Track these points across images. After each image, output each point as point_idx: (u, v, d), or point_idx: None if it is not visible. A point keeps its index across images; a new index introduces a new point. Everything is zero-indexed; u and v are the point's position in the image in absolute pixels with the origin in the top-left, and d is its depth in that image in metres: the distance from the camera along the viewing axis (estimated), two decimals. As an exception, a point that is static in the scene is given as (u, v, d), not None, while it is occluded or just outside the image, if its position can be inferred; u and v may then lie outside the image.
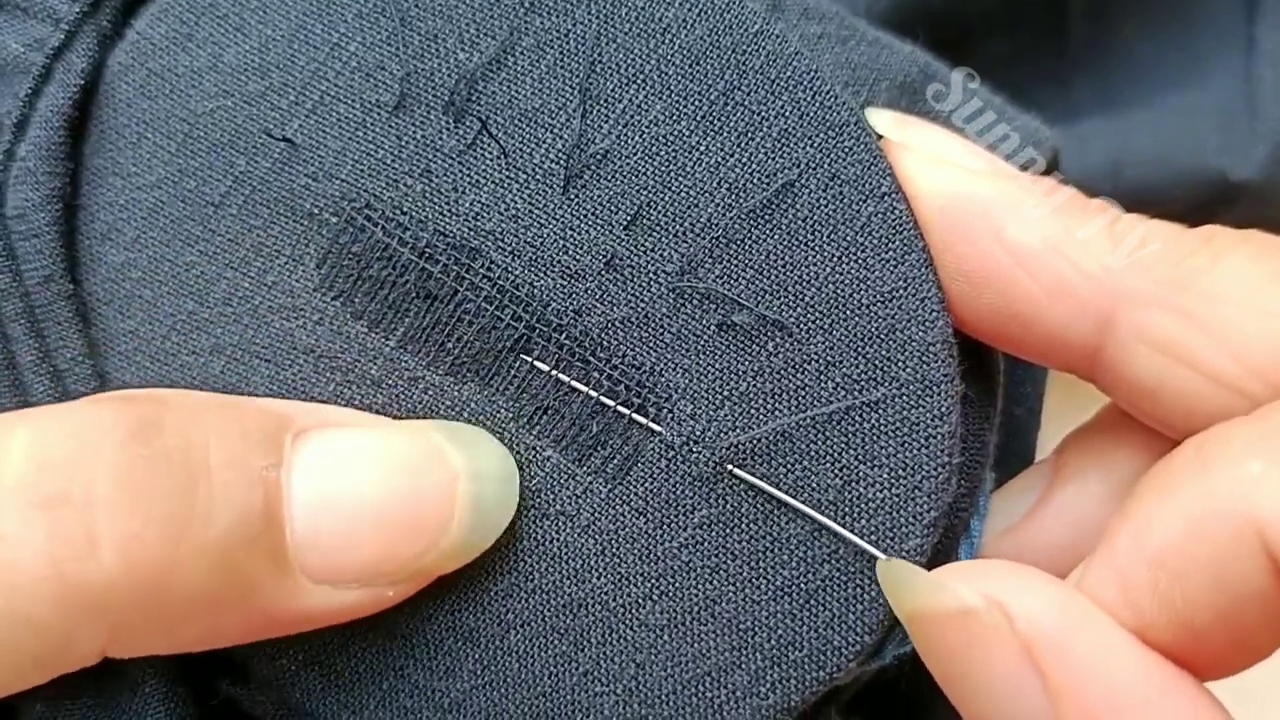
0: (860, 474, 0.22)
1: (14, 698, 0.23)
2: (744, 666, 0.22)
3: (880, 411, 0.22)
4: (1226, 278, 0.21)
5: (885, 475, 0.22)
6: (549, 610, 0.23)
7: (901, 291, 0.22)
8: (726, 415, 0.22)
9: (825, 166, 0.22)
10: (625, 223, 0.23)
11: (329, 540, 0.20)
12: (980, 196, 0.22)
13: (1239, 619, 0.19)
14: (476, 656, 0.23)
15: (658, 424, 0.23)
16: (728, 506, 0.22)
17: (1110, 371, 0.22)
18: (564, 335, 0.23)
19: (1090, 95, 0.37)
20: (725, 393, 0.22)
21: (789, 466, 0.22)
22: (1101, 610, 0.19)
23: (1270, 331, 0.20)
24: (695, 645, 0.22)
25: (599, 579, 0.23)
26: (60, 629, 0.19)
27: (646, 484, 0.23)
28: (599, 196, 0.23)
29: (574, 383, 0.23)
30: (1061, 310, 0.21)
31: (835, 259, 0.22)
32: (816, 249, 0.22)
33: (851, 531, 0.22)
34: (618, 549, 0.23)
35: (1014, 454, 0.28)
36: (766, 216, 0.22)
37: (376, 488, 0.21)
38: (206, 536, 0.19)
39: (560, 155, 0.23)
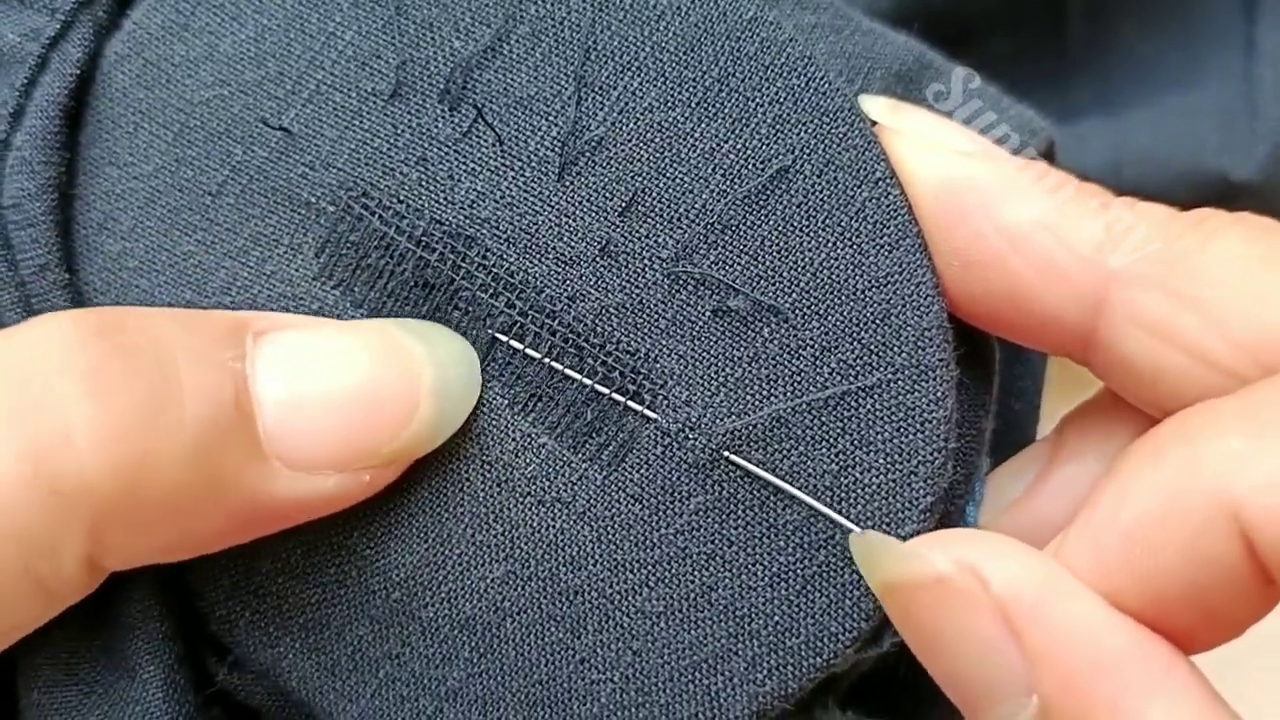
0: (856, 459, 0.22)
1: (15, 686, 0.23)
2: (741, 653, 0.22)
3: (876, 396, 0.22)
4: (1217, 259, 0.21)
5: (882, 460, 0.22)
6: (545, 597, 0.23)
7: (896, 276, 0.22)
8: (722, 401, 0.22)
9: (819, 152, 0.22)
10: (620, 209, 0.23)
11: (300, 428, 0.20)
12: (973, 179, 0.22)
13: (1209, 595, 0.19)
14: (473, 644, 0.23)
15: (653, 410, 0.23)
16: (724, 492, 0.22)
17: (1103, 354, 0.22)
18: (558, 321, 0.23)
19: (1090, 95, 0.37)
20: (721, 378, 0.22)
21: (785, 452, 0.22)
22: (1076, 577, 0.19)
23: (1260, 313, 0.20)
24: (692, 632, 0.22)
25: (595, 566, 0.23)
26: (44, 532, 0.19)
27: (642, 470, 0.23)
28: (594, 183, 0.23)
29: (568, 370, 0.23)
30: (1053, 291, 0.21)
31: (830, 244, 0.22)
32: (811, 234, 0.22)
33: (847, 518, 0.22)
34: (614, 536, 0.23)
35: (1012, 447, 0.28)
36: (761, 202, 0.22)
37: (342, 375, 0.21)
38: (180, 426, 0.19)
39: (555, 142, 0.23)
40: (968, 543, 0.20)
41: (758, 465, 0.22)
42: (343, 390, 0.21)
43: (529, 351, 0.23)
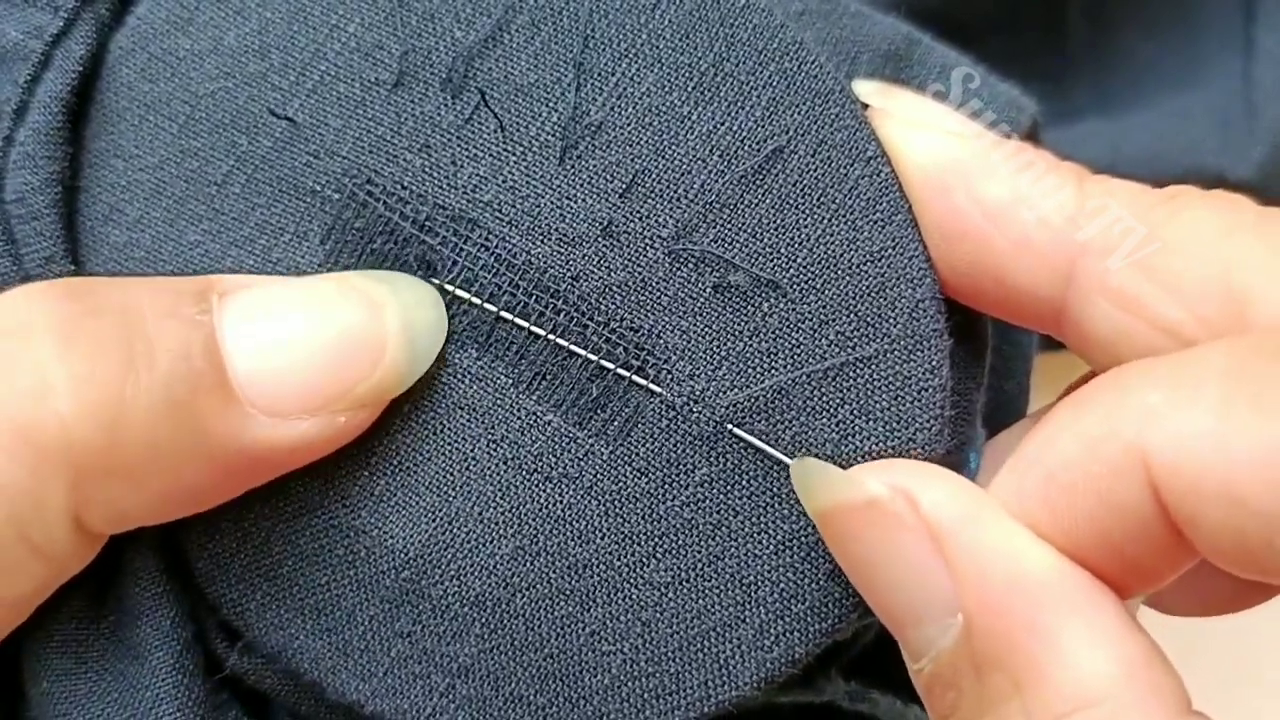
0: (856, 428, 0.23)
1: (20, 677, 0.23)
2: (748, 621, 0.23)
3: (873, 367, 0.23)
4: (1183, 231, 0.21)
5: (880, 428, 0.23)
6: (555, 572, 0.23)
7: (890, 250, 0.23)
8: (724, 374, 0.23)
9: (813, 132, 0.23)
10: (621, 190, 0.23)
11: (270, 374, 0.21)
12: (955, 156, 0.23)
13: (1123, 541, 0.19)
14: (484, 620, 0.23)
15: (657, 385, 0.23)
16: (728, 464, 0.23)
17: (1074, 326, 0.22)
18: (562, 301, 0.23)
19: (1089, 96, 0.38)
20: (722, 352, 0.23)
21: (787, 422, 0.23)
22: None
23: (1220, 285, 0.20)
24: (700, 601, 0.23)
25: (603, 540, 0.23)
26: (26, 484, 0.19)
27: (648, 444, 0.23)
28: (595, 166, 0.23)
29: (572, 346, 0.23)
30: (1026, 263, 0.22)
31: (825, 220, 0.23)
32: (807, 211, 0.23)
33: None
34: (621, 509, 0.23)
35: (1005, 425, 0.29)
36: (758, 181, 0.23)
37: (309, 321, 0.22)
38: (153, 376, 0.20)
39: (556, 127, 0.23)
40: (900, 469, 0.21)
41: (761, 435, 0.23)
42: (310, 335, 0.22)
43: (534, 329, 0.23)
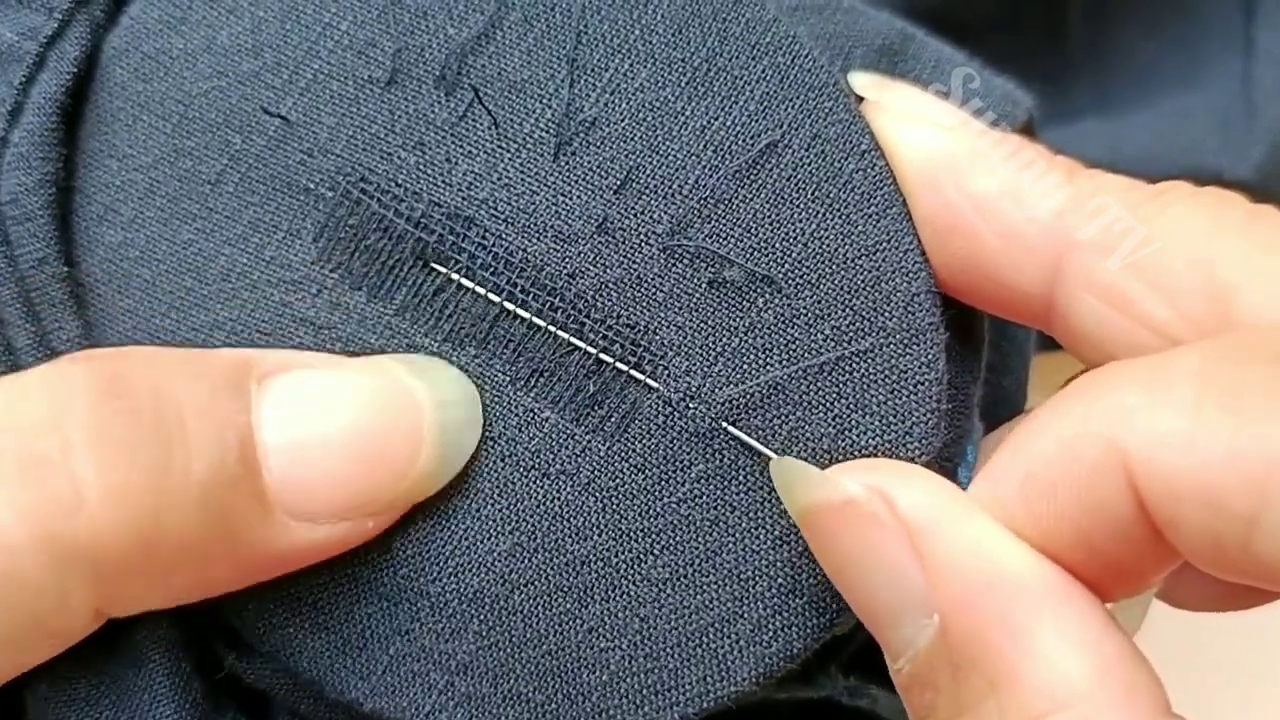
0: (853, 422, 0.23)
1: (20, 679, 0.23)
2: (747, 616, 0.23)
3: (869, 361, 0.23)
4: (1170, 226, 0.21)
5: (877, 423, 0.23)
6: (552, 568, 0.23)
7: (885, 244, 0.23)
8: (721, 370, 0.23)
9: (807, 126, 0.23)
10: (615, 186, 0.23)
11: (305, 478, 0.21)
12: (947, 150, 0.23)
13: (1102, 541, 0.19)
14: (482, 617, 0.23)
15: (654, 380, 0.23)
16: (725, 459, 0.23)
17: (1062, 321, 0.22)
18: (558, 298, 0.23)
19: (1089, 96, 0.38)
20: (719, 348, 0.23)
21: (783, 418, 0.23)
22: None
23: (1205, 281, 0.20)
24: (698, 597, 0.23)
25: (601, 536, 0.23)
26: (55, 587, 0.19)
27: (645, 440, 0.23)
28: (589, 162, 0.23)
29: (572, 338, 0.23)
30: (1014, 257, 0.22)
31: (820, 215, 0.23)
32: (802, 206, 0.23)
33: None
34: (618, 505, 0.23)
35: (1002, 422, 0.29)
36: (752, 176, 0.23)
37: (345, 424, 0.21)
38: (189, 481, 0.20)
39: (550, 124, 0.23)
40: (878, 469, 0.21)
41: (757, 431, 0.23)
42: (346, 438, 0.21)
43: (535, 320, 0.23)
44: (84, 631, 0.21)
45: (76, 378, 0.20)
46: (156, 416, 0.20)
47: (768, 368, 0.23)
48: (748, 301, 0.23)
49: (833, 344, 0.23)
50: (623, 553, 0.23)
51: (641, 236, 0.23)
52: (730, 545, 0.23)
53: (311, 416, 0.21)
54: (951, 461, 0.24)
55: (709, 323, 0.23)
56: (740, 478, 0.23)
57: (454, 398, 0.23)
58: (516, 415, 0.23)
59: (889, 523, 0.20)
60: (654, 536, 0.23)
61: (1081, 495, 0.19)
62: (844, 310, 0.23)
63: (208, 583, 0.21)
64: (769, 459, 0.23)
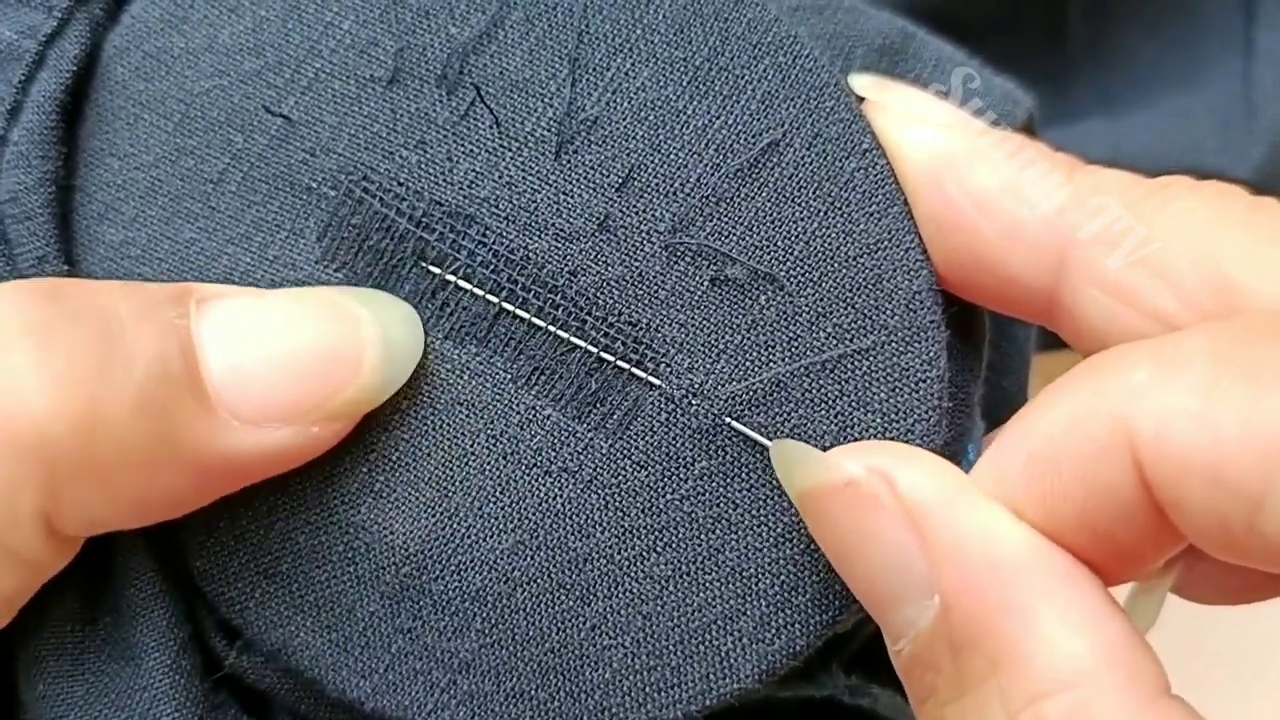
0: (855, 419, 0.23)
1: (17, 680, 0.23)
2: (749, 613, 0.23)
3: (871, 358, 0.23)
4: (1173, 220, 0.21)
5: (879, 420, 0.23)
6: (555, 566, 0.23)
7: (886, 242, 0.23)
8: (723, 367, 0.23)
9: (808, 126, 0.23)
10: (617, 185, 0.23)
11: (245, 382, 0.21)
12: (948, 148, 0.23)
13: (1106, 522, 0.19)
14: (484, 615, 0.23)
15: (656, 378, 0.23)
16: (727, 456, 0.23)
17: (1065, 315, 0.22)
18: (560, 296, 0.23)
19: (1089, 96, 0.38)
20: (721, 345, 0.23)
21: (785, 415, 0.23)
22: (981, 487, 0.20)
23: (1210, 274, 0.20)
24: (701, 594, 0.23)
25: (603, 533, 0.23)
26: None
27: (647, 437, 0.23)
28: (591, 161, 0.23)
29: (572, 338, 0.23)
30: (1016, 253, 0.22)
31: (821, 213, 0.23)
32: (803, 204, 0.23)
33: None
34: (621, 503, 0.23)
35: (1002, 422, 0.29)
36: (754, 175, 0.23)
37: (284, 335, 0.22)
38: (128, 377, 0.20)
39: (552, 123, 0.23)
40: (879, 451, 0.21)
41: (759, 428, 0.23)
42: (286, 346, 0.22)
43: (535, 320, 0.23)
44: (44, 554, 0.21)
45: (16, 287, 0.21)
46: (98, 318, 0.20)
47: (769, 365, 0.23)
48: (749, 299, 0.23)
49: (834, 341, 0.23)
50: (625, 550, 0.23)
51: (643, 234, 0.23)
52: (733, 542, 0.23)
53: (251, 328, 0.22)
54: (953, 459, 0.24)
55: (711, 320, 0.23)
56: (742, 475, 0.23)
57: (394, 317, 0.23)
58: (518, 413, 0.23)
59: (890, 504, 0.20)
60: (656, 534, 0.23)
61: (1085, 475, 0.19)
62: (846, 308, 0.23)
63: (158, 492, 0.21)
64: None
